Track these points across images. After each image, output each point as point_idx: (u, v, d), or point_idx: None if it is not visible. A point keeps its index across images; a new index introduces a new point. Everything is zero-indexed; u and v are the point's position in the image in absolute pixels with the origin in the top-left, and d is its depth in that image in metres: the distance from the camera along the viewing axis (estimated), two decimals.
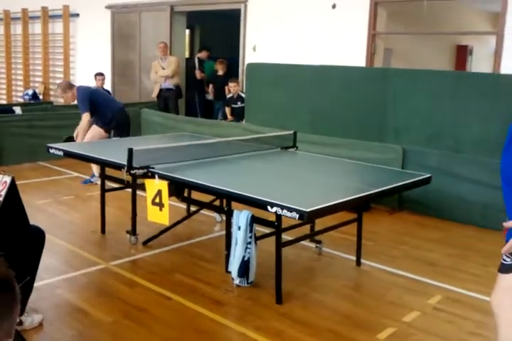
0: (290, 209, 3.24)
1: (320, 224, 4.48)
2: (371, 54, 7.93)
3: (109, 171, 4.89)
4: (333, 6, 8.13)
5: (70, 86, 6.81)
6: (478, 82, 6.04)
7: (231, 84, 9.13)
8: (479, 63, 10.92)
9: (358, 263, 4.54)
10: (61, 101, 12.61)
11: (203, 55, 11.15)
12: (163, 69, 9.95)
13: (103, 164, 4.83)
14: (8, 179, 3.02)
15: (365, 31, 7.89)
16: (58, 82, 9.68)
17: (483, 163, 5.55)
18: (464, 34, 10.33)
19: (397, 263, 4.59)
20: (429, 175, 4.31)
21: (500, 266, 2.54)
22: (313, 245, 4.81)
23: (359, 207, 4.55)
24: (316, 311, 3.69)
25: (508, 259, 2.48)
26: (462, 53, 11.69)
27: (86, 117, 6.51)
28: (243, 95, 8.84)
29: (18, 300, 1.12)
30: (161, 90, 10.05)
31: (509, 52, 6.68)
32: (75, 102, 6.80)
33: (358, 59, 7.84)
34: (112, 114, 6.71)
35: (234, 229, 3.86)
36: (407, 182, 4.18)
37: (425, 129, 6.39)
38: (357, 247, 4.53)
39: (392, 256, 4.76)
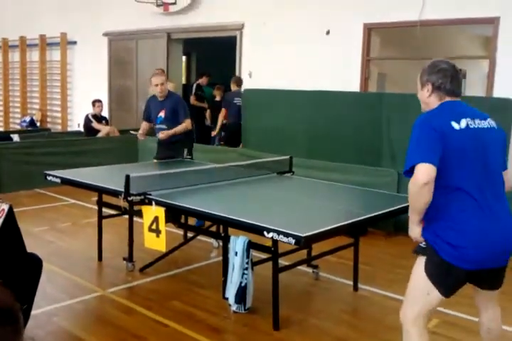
0: (286, 235, 3.25)
1: (317, 248, 4.49)
2: (365, 79, 8.03)
3: (106, 198, 4.90)
4: (327, 32, 8.27)
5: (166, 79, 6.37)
6: (471, 105, 6.10)
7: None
8: (472, 87, 11.02)
9: (356, 287, 4.53)
10: (58, 128, 12.70)
11: (203, 80, 11.24)
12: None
13: (100, 191, 4.85)
14: (5, 207, 3.03)
15: (358, 56, 8.00)
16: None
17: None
18: (456, 58, 10.43)
19: (394, 287, 4.58)
20: None
21: (417, 247, 2.77)
22: (310, 270, 4.81)
23: (355, 232, 4.56)
24: (313, 337, 3.68)
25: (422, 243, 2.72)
26: None
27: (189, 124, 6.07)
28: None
29: (22, 333, 1.12)
30: None
31: (501, 76, 6.78)
32: (159, 98, 6.08)
33: (352, 84, 7.94)
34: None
35: (231, 254, 3.87)
36: (402, 206, 4.19)
37: None
38: (354, 272, 4.53)
39: (390, 280, 4.76)
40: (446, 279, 2.65)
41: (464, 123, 2.60)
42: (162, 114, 6.02)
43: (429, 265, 2.67)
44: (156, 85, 5.95)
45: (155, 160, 6.16)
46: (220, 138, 9.73)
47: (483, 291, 2.84)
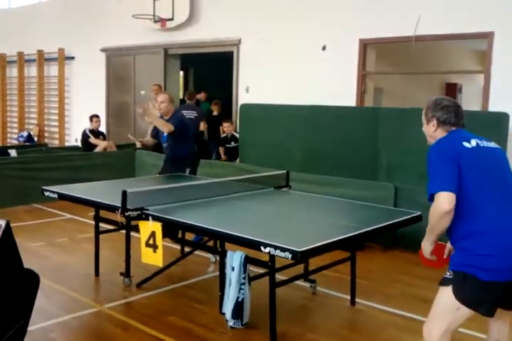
0: (283, 249, 3.26)
1: (314, 263, 4.48)
2: (361, 93, 8.08)
3: (103, 213, 4.90)
4: (323, 48, 8.34)
5: (172, 100, 6.30)
6: (467, 119, 6.12)
7: (225, 124, 9.26)
8: (468, 100, 11.10)
9: (353, 302, 4.53)
10: (56, 143, 12.73)
11: (201, 96, 11.32)
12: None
13: (97, 206, 4.85)
14: (2, 223, 3.03)
15: (354, 71, 8.06)
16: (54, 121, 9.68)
17: None
18: (452, 73, 10.53)
19: (391, 301, 4.58)
20: (419, 213, 4.34)
21: (442, 279, 2.79)
22: (307, 284, 4.80)
23: (352, 246, 4.56)
24: None
25: (448, 273, 2.76)
26: (451, 91, 11.90)
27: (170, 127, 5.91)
28: (237, 135, 8.95)
29: None
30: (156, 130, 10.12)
31: (497, 90, 6.83)
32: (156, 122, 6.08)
33: (348, 98, 7.99)
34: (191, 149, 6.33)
35: (228, 269, 3.86)
36: (399, 220, 4.20)
37: (417, 167, 6.43)
38: (351, 286, 4.52)
39: (387, 295, 4.75)
40: (484, 298, 2.67)
41: (474, 142, 2.81)
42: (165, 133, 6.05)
43: (460, 292, 2.70)
44: (157, 102, 6.06)
45: (157, 175, 6.25)
46: (218, 152, 9.75)
47: (503, 310, 2.85)
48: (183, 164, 6.14)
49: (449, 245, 2.98)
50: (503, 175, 2.80)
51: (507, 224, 2.68)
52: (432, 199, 2.70)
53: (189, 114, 9.37)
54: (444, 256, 3.01)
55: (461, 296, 2.69)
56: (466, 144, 2.78)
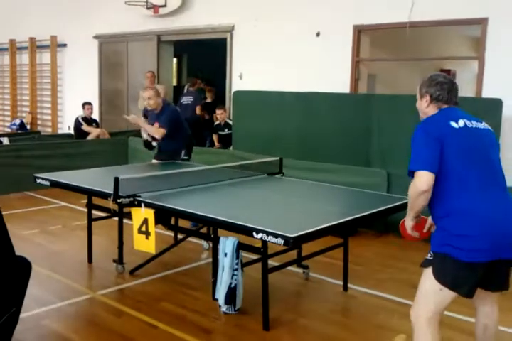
0: (275, 235, 3.26)
1: (307, 249, 4.49)
2: (355, 80, 8.06)
3: (96, 200, 4.89)
4: (317, 34, 8.30)
5: (159, 94, 6.17)
6: (461, 105, 6.14)
7: (218, 112, 9.23)
8: (462, 87, 11.03)
9: (345, 287, 4.54)
10: (48, 130, 12.67)
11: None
12: None
13: (89, 193, 4.84)
14: None
15: (348, 58, 8.03)
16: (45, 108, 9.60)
17: None
18: (446, 59, 10.49)
19: (384, 286, 4.60)
20: None
21: (423, 261, 2.84)
22: (300, 270, 4.82)
23: (345, 232, 4.57)
24: (303, 337, 3.69)
25: (429, 255, 2.81)
26: None
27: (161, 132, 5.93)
28: (230, 122, 8.92)
29: None
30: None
31: (490, 77, 6.82)
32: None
33: (342, 85, 7.96)
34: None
35: (220, 255, 3.87)
36: (392, 205, 4.21)
37: (410, 153, 6.44)
38: (343, 272, 4.54)
39: (379, 280, 4.77)
40: (465, 279, 2.69)
41: (461, 122, 2.82)
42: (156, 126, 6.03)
43: (440, 273, 2.72)
44: (144, 99, 6.09)
45: (154, 161, 6.23)
46: (211, 140, 9.74)
47: (486, 292, 2.88)
48: (178, 153, 6.15)
49: (429, 220, 3.01)
50: (487, 156, 2.80)
51: (488, 204, 2.69)
52: (411, 175, 2.74)
53: (186, 99, 9.53)
54: (424, 230, 3.04)
55: (441, 277, 2.71)
56: (453, 124, 2.78)
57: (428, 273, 2.77)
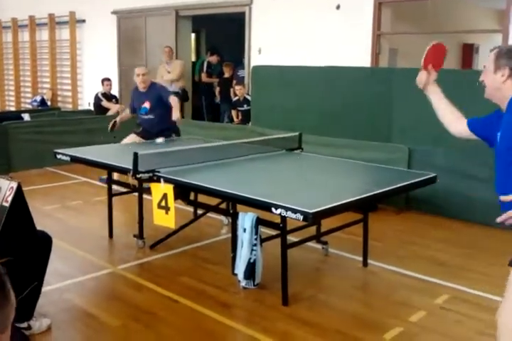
0: (294, 211, 3.25)
1: (326, 225, 4.48)
2: (376, 54, 7.93)
3: (115, 175, 4.91)
4: (338, 7, 8.15)
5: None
6: None
7: (237, 87, 9.16)
8: (486, 61, 10.86)
9: (365, 263, 4.53)
10: (69, 107, 12.72)
11: (213, 58, 11.18)
12: (169, 73, 10.00)
13: (109, 168, 4.86)
14: (14, 185, 3.04)
15: (369, 31, 7.89)
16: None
17: (491, 160, 5.52)
18: (469, 32, 10.28)
19: (404, 263, 4.58)
20: (434, 175, 4.29)
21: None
22: (319, 246, 4.81)
23: (365, 208, 4.54)
24: (322, 312, 3.70)
25: None
26: (468, 52, 11.65)
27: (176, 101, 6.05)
28: (249, 98, 8.86)
29: (10, 293, 1.13)
30: None
31: None
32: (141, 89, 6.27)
33: (363, 59, 7.84)
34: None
35: (239, 231, 3.88)
36: (412, 181, 4.17)
37: (431, 128, 6.30)
38: (363, 248, 4.52)
39: (400, 257, 4.75)
40: None
41: None
42: (147, 105, 6.19)
43: None
44: (138, 75, 6.15)
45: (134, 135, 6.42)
46: (230, 115, 9.71)
47: None
48: (168, 133, 6.11)
49: None
50: None
51: None
52: None
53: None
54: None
55: None
56: None
57: None
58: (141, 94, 6.26)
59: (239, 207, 3.97)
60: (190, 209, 5.61)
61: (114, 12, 11.74)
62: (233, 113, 9.38)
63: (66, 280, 4.18)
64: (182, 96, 10.08)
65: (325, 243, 4.78)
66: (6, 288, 1.12)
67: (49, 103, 13.27)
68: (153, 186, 4.17)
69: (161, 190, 4.09)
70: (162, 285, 4.08)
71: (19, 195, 3.05)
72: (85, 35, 12.72)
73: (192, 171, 4.31)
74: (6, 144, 7.65)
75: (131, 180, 4.41)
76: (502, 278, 2.61)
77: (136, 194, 4.83)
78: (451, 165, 5.74)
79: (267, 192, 3.64)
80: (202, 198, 4.74)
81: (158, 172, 4.19)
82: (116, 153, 5.38)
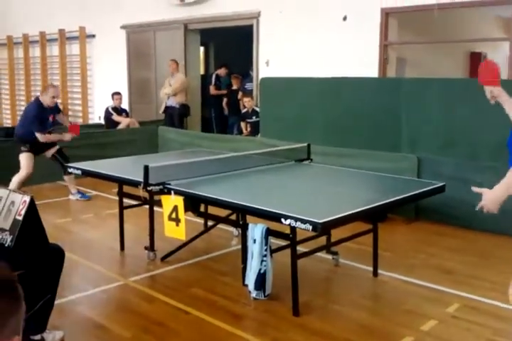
0: (303, 221, 3.27)
1: (336, 235, 4.49)
2: (384, 64, 7.97)
3: (126, 189, 4.96)
4: (344, 18, 8.21)
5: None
6: None
7: (245, 99, 9.23)
8: None
9: (375, 273, 4.54)
10: (79, 121, 12.84)
11: (222, 71, 11.28)
12: (170, 86, 10.12)
13: (120, 182, 4.91)
14: (27, 198, 3.09)
15: (376, 42, 7.94)
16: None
17: (499, 169, 5.51)
18: (475, 41, 10.29)
19: (414, 272, 4.58)
20: (443, 184, 4.31)
21: None
22: (329, 256, 4.82)
23: (374, 218, 4.55)
24: (333, 322, 3.70)
25: None
26: (476, 60, 11.64)
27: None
28: (258, 109, 8.92)
29: (22, 298, 1.18)
30: (167, 107, 10.23)
31: None
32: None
33: (370, 69, 7.88)
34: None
35: (249, 242, 3.90)
36: (421, 191, 4.18)
37: (440, 137, 6.37)
38: (373, 258, 4.53)
39: (410, 266, 4.75)
40: None
41: None
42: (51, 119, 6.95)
43: None
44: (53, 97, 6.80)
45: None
46: (239, 127, 9.77)
47: None
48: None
49: None
50: None
51: None
52: None
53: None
54: None
55: None
56: None
57: None
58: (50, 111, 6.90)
59: (249, 218, 4.00)
60: (201, 221, 5.64)
61: (124, 27, 11.88)
62: (242, 125, 9.44)
63: (78, 292, 4.22)
64: (179, 111, 10.11)
65: (335, 253, 4.79)
66: (18, 294, 1.16)
67: None
68: (163, 198, 4.21)
69: (171, 202, 4.12)
70: (173, 297, 4.10)
71: (32, 209, 3.09)
72: (95, 50, 12.86)
73: (202, 183, 4.35)
74: (18, 158, 7.70)
75: (141, 192, 4.45)
76: None
77: (147, 206, 4.87)
78: (460, 174, 5.74)
79: (276, 203, 3.67)
80: (212, 210, 4.78)
81: (169, 184, 4.23)
82: (127, 166, 5.44)
